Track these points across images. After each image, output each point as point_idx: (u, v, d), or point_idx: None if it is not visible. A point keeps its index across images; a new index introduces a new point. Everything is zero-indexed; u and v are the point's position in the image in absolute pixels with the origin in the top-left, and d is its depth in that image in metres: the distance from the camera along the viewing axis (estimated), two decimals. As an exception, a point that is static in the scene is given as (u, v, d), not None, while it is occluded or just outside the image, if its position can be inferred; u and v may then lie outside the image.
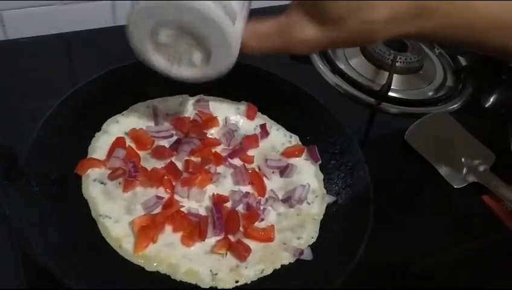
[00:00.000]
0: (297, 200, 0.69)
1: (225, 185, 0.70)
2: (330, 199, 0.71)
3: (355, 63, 0.99)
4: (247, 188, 0.70)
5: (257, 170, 0.72)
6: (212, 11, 0.51)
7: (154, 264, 0.61)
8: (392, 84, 0.91)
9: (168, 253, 0.62)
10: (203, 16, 0.52)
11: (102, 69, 0.77)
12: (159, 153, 0.71)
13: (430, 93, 0.98)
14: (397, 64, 0.96)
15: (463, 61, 1.05)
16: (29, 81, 0.86)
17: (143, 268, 0.61)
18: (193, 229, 0.64)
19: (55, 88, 0.83)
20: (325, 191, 0.72)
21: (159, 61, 0.58)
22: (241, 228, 0.65)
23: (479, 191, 0.80)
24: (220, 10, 0.52)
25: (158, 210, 0.65)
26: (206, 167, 0.70)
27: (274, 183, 0.72)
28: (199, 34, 0.54)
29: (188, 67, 0.58)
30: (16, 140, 0.69)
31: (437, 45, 1.09)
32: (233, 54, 0.55)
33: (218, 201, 0.67)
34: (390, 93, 0.92)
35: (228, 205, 0.67)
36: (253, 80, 0.80)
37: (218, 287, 0.60)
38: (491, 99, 1.03)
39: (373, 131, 0.90)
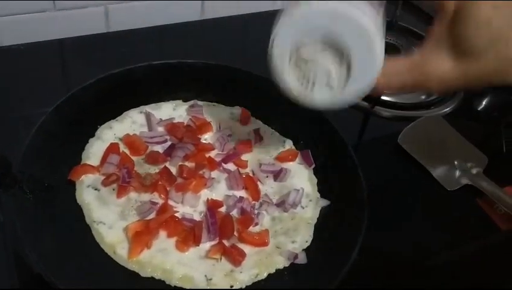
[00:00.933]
0: (291, 204, 0.69)
1: (219, 190, 0.70)
2: (324, 202, 0.71)
3: (348, 67, 0.99)
4: (241, 193, 0.70)
5: (251, 174, 0.73)
6: (366, 21, 0.49)
7: (149, 270, 0.61)
8: (385, 87, 0.91)
9: (162, 258, 0.62)
10: (357, 25, 0.49)
11: (95, 75, 0.77)
12: (153, 158, 0.71)
13: (423, 97, 0.98)
14: (390, 68, 0.96)
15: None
16: (23, 88, 0.86)
17: (137, 274, 0.61)
18: (187, 234, 0.64)
19: (48, 94, 0.83)
20: (318, 195, 0.72)
21: (293, 82, 0.54)
22: (235, 233, 0.65)
23: (473, 193, 0.80)
24: (372, 22, 0.49)
25: (152, 216, 0.65)
26: (200, 172, 0.70)
27: (268, 187, 0.72)
28: (345, 45, 0.50)
29: (322, 90, 0.54)
30: (10, 147, 0.68)
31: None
32: (377, 69, 0.51)
33: (212, 206, 0.67)
34: (384, 97, 0.92)
35: (222, 209, 0.68)
36: (246, 85, 0.80)
37: (213, 292, 0.60)
38: (484, 102, 1.03)
39: (366, 134, 0.91)
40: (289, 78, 0.54)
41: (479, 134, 0.94)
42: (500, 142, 0.91)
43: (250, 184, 0.70)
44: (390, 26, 1.10)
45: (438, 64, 0.50)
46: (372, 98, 0.91)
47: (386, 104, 0.93)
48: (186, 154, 0.71)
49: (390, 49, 0.98)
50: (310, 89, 0.54)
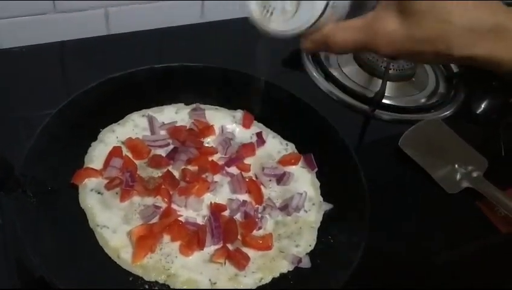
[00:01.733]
0: (294, 208, 0.69)
1: (222, 193, 0.70)
2: (327, 206, 0.71)
3: (348, 71, 1.00)
4: (244, 197, 0.70)
5: (254, 178, 0.72)
6: None
7: (153, 274, 0.61)
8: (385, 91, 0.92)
9: (166, 262, 0.62)
10: None
11: (96, 77, 0.76)
12: (155, 161, 0.71)
13: (423, 100, 0.99)
14: (390, 71, 0.96)
15: (454, 68, 1.06)
16: (23, 90, 0.85)
17: (142, 278, 0.61)
18: (191, 238, 0.64)
19: (49, 97, 0.83)
20: (321, 199, 0.72)
21: (255, 9, 0.59)
22: (239, 237, 0.65)
23: (473, 196, 0.81)
24: None
25: (156, 220, 0.65)
26: (203, 176, 0.70)
27: (271, 191, 0.72)
28: None
29: (276, 19, 0.58)
30: (10, 149, 0.68)
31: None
32: (318, 8, 0.55)
33: (215, 210, 0.67)
34: (384, 100, 0.92)
35: (226, 213, 0.68)
36: (247, 88, 0.80)
37: (218, 296, 0.60)
38: (482, 106, 1.04)
39: (367, 138, 0.91)
40: (253, 4, 0.59)
41: (478, 137, 0.95)
42: (499, 145, 0.91)
43: (254, 188, 0.70)
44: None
45: (386, 23, 0.53)
46: (373, 101, 0.91)
47: (386, 107, 0.93)
48: (189, 158, 0.71)
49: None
50: (267, 17, 0.58)
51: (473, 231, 0.79)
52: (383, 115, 0.93)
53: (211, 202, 0.68)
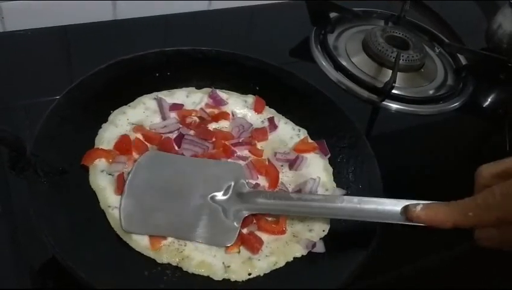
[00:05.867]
0: (308, 193, 0.68)
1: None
2: (340, 192, 0.70)
3: (357, 61, 0.99)
4: (256, 181, 0.69)
5: (267, 163, 0.72)
6: None
7: (165, 256, 0.60)
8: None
9: (179, 245, 0.61)
10: None
11: (102, 62, 0.75)
12: (166, 145, 0.70)
13: (431, 92, 0.98)
14: (399, 61, 0.96)
15: (463, 60, 1.06)
16: (29, 74, 0.84)
17: (154, 260, 0.60)
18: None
19: (57, 80, 0.83)
20: (334, 185, 0.71)
21: None
22: (254, 221, 0.64)
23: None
24: None
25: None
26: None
27: (283, 176, 0.71)
28: None
29: None
30: (21, 132, 0.67)
31: (437, 44, 1.09)
32: None
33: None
34: (393, 91, 0.92)
35: None
36: (259, 73, 0.80)
37: (231, 280, 0.59)
38: (489, 99, 1.04)
39: (375, 127, 0.90)
40: None
41: (484, 130, 0.95)
42: (504, 139, 0.91)
43: (271, 171, 0.69)
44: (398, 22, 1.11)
45: None
46: (382, 91, 0.91)
47: (394, 97, 0.93)
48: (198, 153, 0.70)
49: (400, 43, 1.00)
50: None
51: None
52: (391, 105, 0.92)
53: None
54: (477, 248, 0.55)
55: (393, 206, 0.58)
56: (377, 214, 0.59)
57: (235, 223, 0.62)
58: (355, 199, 0.61)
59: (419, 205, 0.55)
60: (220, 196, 0.64)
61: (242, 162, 0.70)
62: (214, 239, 0.61)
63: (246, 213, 0.63)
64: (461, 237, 0.72)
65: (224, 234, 0.61)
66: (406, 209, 0.56)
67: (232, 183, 0.65)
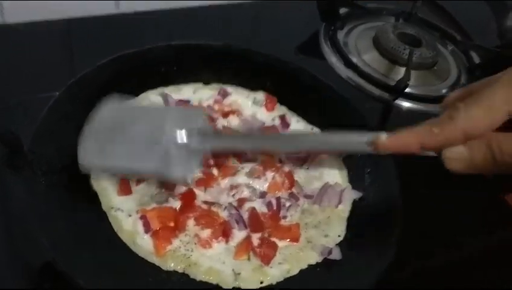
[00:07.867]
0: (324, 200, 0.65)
1: (243, 179, 0.65)
2: (356, 194, 0.66)
3: (368, 58, 0.96)
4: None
5: (278, 163, 0.68)
6: None
7: (171, 263, 0.56)
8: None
9: (186, 250, 0.57)
10: None
11: (104, 56, 0.72)
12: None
13: (444, 91, 0.95)
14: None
15: (476, 58, 1.02)
16: (29, 68, 0.81)
17: (159, 267, 0.56)
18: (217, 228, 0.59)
19: (58, 75, 0.80)
20: (350, 186, 0.68)
21: None
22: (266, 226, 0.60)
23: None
24: None
25: (172, 202, 0.60)
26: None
27: (296, 177, 0.67)
28: None
29: None
30: (20, 128, 0.63)
31: (449, 42, 1.06)
32: None
33: (240, 199, 0.63)
34: (407, 90, 0.88)
35: (250, 202, 0.63)
36: (271, 69, 0.76)
37: (242, 288, 0.56)
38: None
39: (387, 126, 0.87)
40: None
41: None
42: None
43: (285, 172, 0.66)
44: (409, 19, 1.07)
45: None
46: (395, 89, 0.87)
47: (406, 96, 0.89)
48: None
49: (412, 40, 0.96)
50: None
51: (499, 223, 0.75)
52: (402, 104, 0.89)
53: (229, 185, 0.64)
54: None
55: (360, 137, 0.57)
56: (344, 144, 0.60)
57: (196, 157, 0.59)
58: (322, 132, 0.61)
59: (383, 135, 0.55)
60: (182, 134, 0.59)
61: (252, 164, 0.66)
62: (170, 169, 0.57)
63: (208, 147, 0.60)
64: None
65: (182, 165, 0.58)
66: (372, 139, 0.55)
67: (195, 126, 0.60)
